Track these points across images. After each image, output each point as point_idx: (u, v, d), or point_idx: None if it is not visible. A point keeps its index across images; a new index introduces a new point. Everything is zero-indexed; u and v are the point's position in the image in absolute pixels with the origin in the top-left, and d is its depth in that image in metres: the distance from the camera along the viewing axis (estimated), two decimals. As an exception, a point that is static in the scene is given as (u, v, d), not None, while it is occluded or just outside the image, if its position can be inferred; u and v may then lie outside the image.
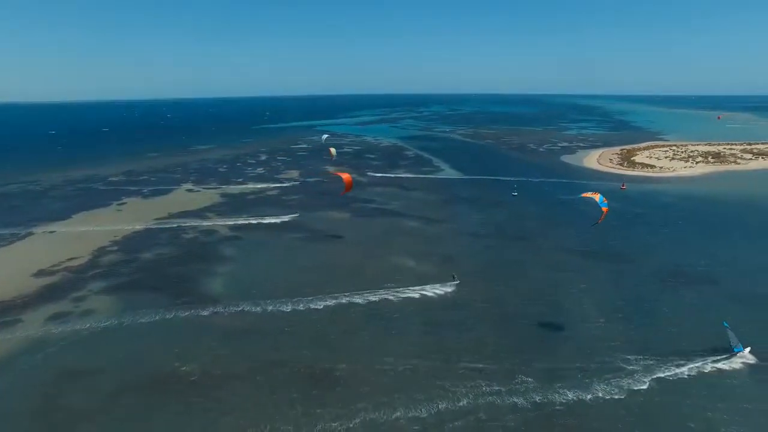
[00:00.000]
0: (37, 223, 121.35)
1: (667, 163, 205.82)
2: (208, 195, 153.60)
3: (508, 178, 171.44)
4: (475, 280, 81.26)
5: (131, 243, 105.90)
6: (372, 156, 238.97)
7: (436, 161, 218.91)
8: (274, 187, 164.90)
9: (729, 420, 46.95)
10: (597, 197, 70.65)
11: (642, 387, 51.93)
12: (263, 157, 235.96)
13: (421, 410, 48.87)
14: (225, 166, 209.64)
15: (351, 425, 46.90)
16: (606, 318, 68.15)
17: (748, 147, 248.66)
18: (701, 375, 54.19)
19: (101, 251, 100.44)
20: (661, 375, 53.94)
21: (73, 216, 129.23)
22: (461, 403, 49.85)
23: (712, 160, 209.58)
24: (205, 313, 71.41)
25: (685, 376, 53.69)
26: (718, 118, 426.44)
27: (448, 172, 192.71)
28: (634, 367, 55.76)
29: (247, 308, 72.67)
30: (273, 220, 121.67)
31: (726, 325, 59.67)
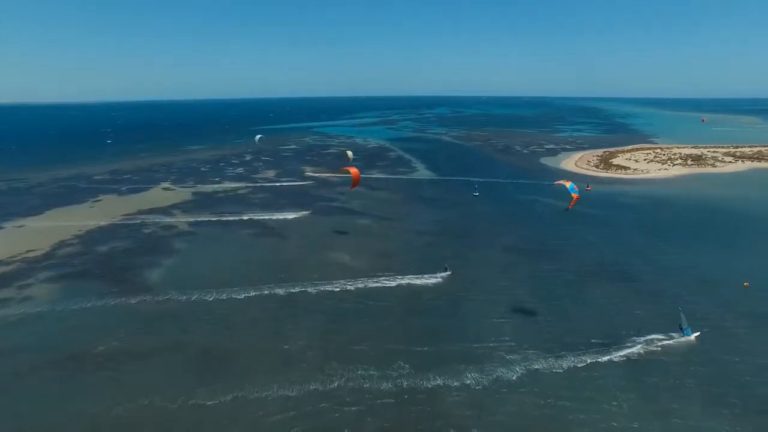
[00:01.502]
0: (11, 218, 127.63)
1: (644, 165, 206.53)
2: (181, 193, 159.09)
3: (479, 179, 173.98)
4: (401, 274, 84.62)
5: (91, 237, 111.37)
6: (354, 157, 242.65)
7: (415, 162, 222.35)
8: (246, 186, 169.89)
9: (577, 410, 49.95)
10: (568, 184, 76.64)
11: (511, 377, 54.85)
12: (248, 158, 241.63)
13: (292, 390, 52.71)
14: (208, 166, 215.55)
15: (222, 400, 50.98)
16: (510, 312, 71.14)
17: (733, 150, 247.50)
18: (573, 368, 56.94)
19: (60, 244, 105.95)
20: (537, 367, 56.61)
21: (46, 212, 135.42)
22: (332, 385, 53.59)
23: (690, 163, 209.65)
24: (133, 301, 76.13)
25: (560, 370, 56.10)
26: (703, 120, 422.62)
27: (422, 173, 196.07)
28: (513, 357, 58.86)
29: (173, 297, 77.28)
30: (232, 217, 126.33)
31: (680, 309, 63.80)
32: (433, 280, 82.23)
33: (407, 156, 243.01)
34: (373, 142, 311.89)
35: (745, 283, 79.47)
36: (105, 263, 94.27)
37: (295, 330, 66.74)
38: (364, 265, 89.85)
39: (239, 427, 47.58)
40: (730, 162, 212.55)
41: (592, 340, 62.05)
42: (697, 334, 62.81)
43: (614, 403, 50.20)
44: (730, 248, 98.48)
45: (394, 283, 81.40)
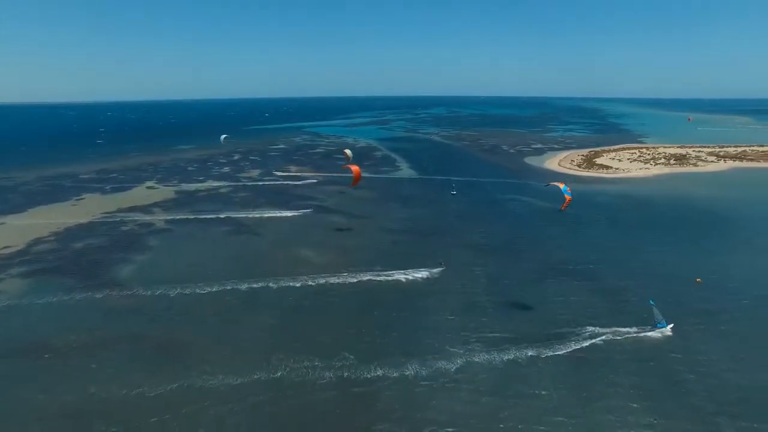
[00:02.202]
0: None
1: (626, 165, 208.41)
2: (163, 192, 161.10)
3: (459, 178, 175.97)
4: (363, 271, 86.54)
5: (68, 234, 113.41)
6: (340, 156, 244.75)
7: (400, 162, 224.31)
8: (228, 185, 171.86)
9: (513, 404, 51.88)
10: (561, 186, 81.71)
11: (450, 369, 56.80)
12: (236, 157, 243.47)
13: (236, 379, 54.72)
14: (195, 165, 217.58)
15: (166, 390, 53.02)
16: (462, 308, 73.13)
17: (718, 150, 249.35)
18: (512, 362, 59.02)
19: (37, 241, 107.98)
20: (477, 360, 58.72)
21: (28, 210, 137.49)
22: (275, 375, 55.61)
23: (673, 163, 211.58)
24: (99, 295, 78.18)
25: (500, 363, 58.10)
26: (689, 119, 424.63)
27: (405, 172, 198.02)
28: (456, 350, 60.81)
29: (138, 292, 79.36)
30: (209, 215, 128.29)
31: (652, 303, 65.47)
32: (391, 277, 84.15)
33: (393, 155, 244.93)
34: (362, 142, 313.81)
35: (697, 279, 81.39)
36: (77, 259, 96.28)
37: (249, 323, 68.74)
38: (327, 262, 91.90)
39: (178, 415, 49.53)
40: (712, 162, 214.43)
41: (537, 336, 63.92)
42: (672, 326, 64.53)
43: (543, 395, 52.11)
44: (693, 245, 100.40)
45: (354, 279, 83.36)
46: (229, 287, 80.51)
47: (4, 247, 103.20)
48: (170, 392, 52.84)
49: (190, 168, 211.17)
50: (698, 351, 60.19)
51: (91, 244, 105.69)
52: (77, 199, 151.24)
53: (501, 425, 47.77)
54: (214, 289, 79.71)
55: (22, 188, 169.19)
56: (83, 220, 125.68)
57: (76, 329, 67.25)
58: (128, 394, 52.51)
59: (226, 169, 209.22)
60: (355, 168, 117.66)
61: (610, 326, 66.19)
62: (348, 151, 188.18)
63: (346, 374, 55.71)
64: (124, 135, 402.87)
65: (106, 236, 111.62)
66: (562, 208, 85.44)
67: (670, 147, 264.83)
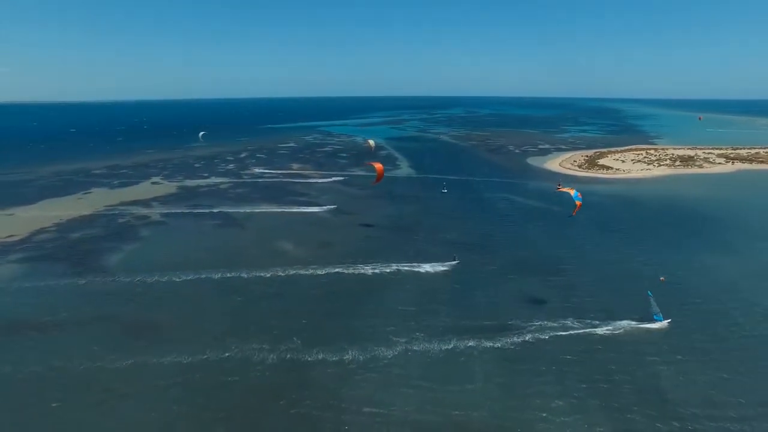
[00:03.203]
0: (5, 206, 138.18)
1: (628, 165, 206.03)
2: (166, 187, 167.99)
3: (456, 177, 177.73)
4: (333, 264, 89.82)
5: (69, 225, 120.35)
6: (344, 155, 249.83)
7: (401, 161, 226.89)
8: (229, 181, 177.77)
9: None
10: (572, 192, 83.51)
11: (387, 355, 59.50)
12: (243, 155, 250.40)
13: (186, 358, 58.82)
14: (202, 162, 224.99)
15: (123, 365, 57.50)
16: (416, 299, 75.68)
17: (729, 151, 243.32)
18: (451, 351, 61.42)
19: (39, 231, 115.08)
20: (416, 348, 61.11)
21: (39, 202, 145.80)
22: (223, 356, 59.47)
23: (678, 164, 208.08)
24: (82, 281, 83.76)
25: (439, 352, 60.48)
26: (699, 118, 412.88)
27: (404, 171, 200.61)
28: (398, 339, 63.44)
29: (119, 278, 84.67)
30: (203, 210, 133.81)
31: (650, 294, 67.41)
32: (357, 270, 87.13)
33: (396, 154, 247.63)
34: (369, 142, 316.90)
35: (661, 278, 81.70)
36: (71, 248, 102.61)
37: (214, 309, 72.89)
38: (301, 255, 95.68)
39: (127, 386, 53.87)
40: (720, 163, 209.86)
41: (483, 328, 65.81)
42: (669, 320, 66.27)
43: (470, 382, 54.26)
44: (670, 245, 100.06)
45: (322, 272, 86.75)
46: (203, 276, 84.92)
47: (9, 236, 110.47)
48: (126, 367, 57.26)
49: (197, 165, 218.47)
50: (635, 351, 61.13)
51: (87, 234, 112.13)
52: (85, 193, 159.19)
53: (422, 407, 50.25)
54: (189, 277, 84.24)
55: (37, 182, 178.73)
56: (86, 212, 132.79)
57: (55, 310, 72.56)
58: (88, 367, 57.17)
59: (231, 166, 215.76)
60: (378, 166, 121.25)
61: (557, 320, 67.72)
62: (371, 142, 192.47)
63: (288, 356, 59.16)
64: (142, 133, 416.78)
65: (103, 227, 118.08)
66: (573, 214, 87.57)
67: (680, 148, 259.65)
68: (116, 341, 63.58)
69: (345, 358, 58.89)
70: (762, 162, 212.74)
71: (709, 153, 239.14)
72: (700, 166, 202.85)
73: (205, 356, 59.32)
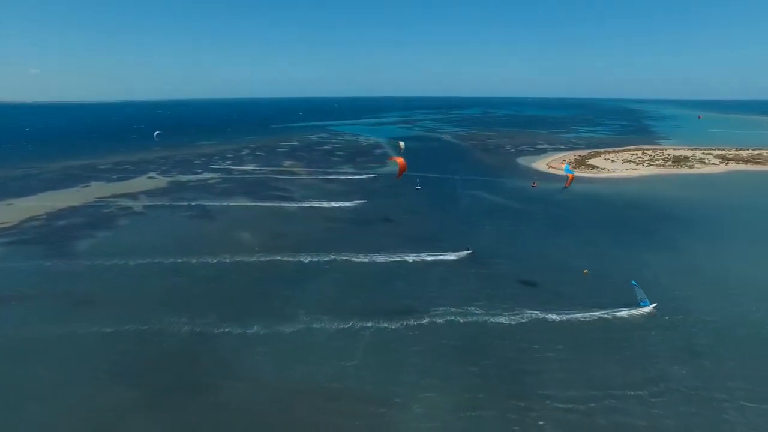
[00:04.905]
0: (5, 197, 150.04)
1: (617, 165, 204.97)
2: (158, 182, 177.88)
3: (437, 175, 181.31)
4: (279, 252, 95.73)
5: (58, 215, 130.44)
6: (340, 154, 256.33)
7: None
8: (219, 177, 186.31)
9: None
10: (563, 165, 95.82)
11: (287, 330, 65.08)
12: (244, 152, 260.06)
13: (111, 327, 65.75)
14: (202, 159, 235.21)
15: (58, 333, 64.97)
16: (348, 286, 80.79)
17: (728, 152, 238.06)
18: (345, 329, 66.35)
19: (29, 219, 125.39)
20: (314, 326, 66.45)
21: (38, 194, 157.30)
22: (145, 327, 66.30)
23: (669, 164, 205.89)
24: (48, 263, 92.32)
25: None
26: (699, 117, 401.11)
27: (389, 169, 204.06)
28: (306, 317, 68.83)
29: (82, 261, 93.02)
30: (184, 202, 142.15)
31: (634, 283, 71.62)
32: (296, 258, 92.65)
33: (391, 153, 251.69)
34: (372, 140, 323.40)
35: (585, 271, 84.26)
36: (52, 234, 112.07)
37: (152, 288, 79.99)
38: (254, 243, 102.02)
39: (56, 349, 61.28)
40: (712, 164, 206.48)
41: (387, 311, 70.37)
42: (655, 305, 70.35)
43: (349, 359, 59.07)
44: (616, 242, 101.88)
45: (265, 259, 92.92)
46: (157, 260, 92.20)
47: (0, 223, 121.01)
48: (59, 334, 64.74)
49: (196, 161, 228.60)
50: (532, 339, 64.40)
51: (71, 222, 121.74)
52: (83, 186, 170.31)
53: (300, 381, 55.47)
54: (143, 261, 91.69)
55: (42, 176, 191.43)
56: (76, 203, 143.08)
57: (16, 286, 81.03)
58: (23, 337, 64.76)
59: (228, 163, 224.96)
60: (400, 160, 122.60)
61: (461, 307, 71.59)
62: (402, 143, 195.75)
63: (198, 329, 65.41)
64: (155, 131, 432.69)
65: (87, 216, 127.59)
66: (566, 186, 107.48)
67: (679, 149, 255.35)
68: (58, 314, 71.10)
69: (248, 332, 64.68)
70: (759, 163, 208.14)
71: (707, 154, 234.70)
72: (691, 167, 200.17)
73: (129, 327, 66.21)
